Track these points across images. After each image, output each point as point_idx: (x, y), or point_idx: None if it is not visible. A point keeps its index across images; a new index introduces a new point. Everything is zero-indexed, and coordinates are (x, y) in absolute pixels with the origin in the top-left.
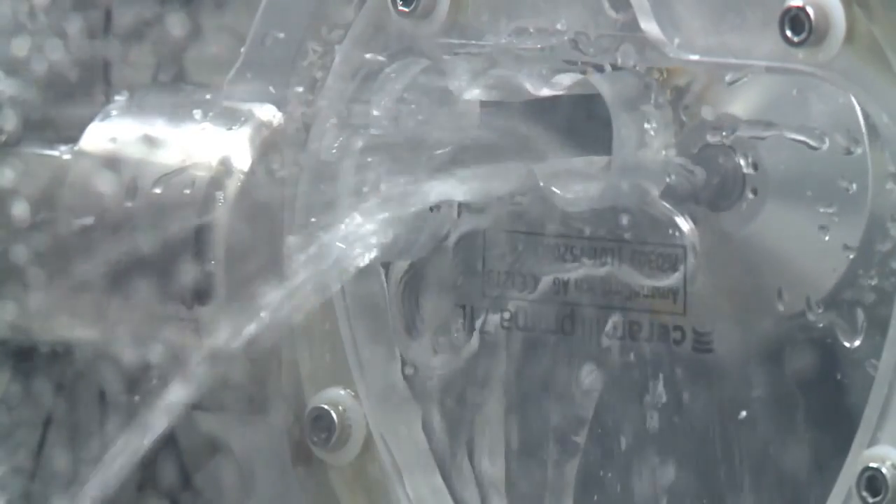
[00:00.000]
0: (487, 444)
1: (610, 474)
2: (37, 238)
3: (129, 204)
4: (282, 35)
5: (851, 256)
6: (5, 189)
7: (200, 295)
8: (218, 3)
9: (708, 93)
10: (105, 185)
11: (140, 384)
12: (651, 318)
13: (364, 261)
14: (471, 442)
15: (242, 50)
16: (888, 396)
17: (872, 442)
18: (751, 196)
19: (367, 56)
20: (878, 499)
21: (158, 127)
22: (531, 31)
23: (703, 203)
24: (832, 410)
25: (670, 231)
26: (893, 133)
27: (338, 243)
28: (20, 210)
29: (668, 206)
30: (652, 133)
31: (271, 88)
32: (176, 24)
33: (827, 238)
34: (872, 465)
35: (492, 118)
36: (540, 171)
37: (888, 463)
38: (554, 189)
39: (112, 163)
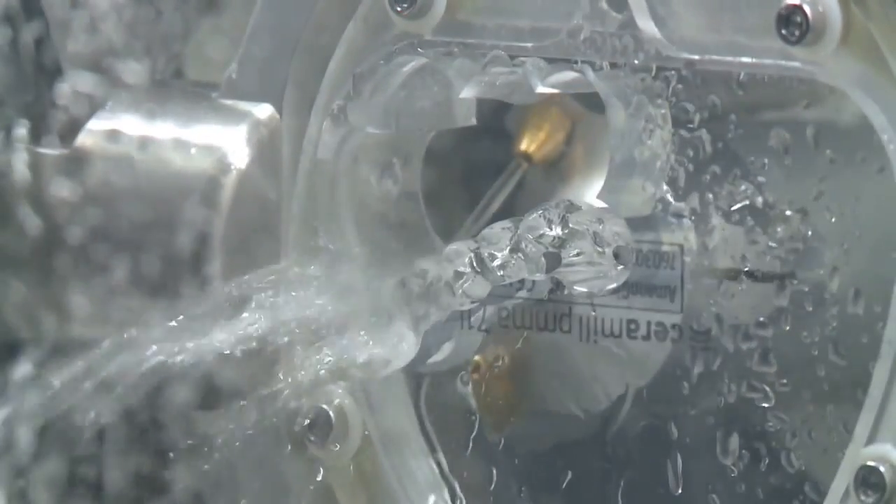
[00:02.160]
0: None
1: (608, 473)
2: (35, 237)
3: (128, 203)
4: (280, 33)
5: None
6: (5, 188)
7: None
8: (218, 3)
9: None
10: (104, 184)
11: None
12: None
13: None
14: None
15: (241, 48)
16: (886, 395)
17: (870, 440)
18: None
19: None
20: (875, 497)
21: (158, 126)
22: (528, 29)
23: None
24: (831, 408)
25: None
26: (891, 133)
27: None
28: (19, 209)
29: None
30: (650, 131)
31: (270, 86)
32: (175, 23)
33: None
34: (870, 463)
35: None
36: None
37: (886, 461)
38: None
39: (111, 162)
